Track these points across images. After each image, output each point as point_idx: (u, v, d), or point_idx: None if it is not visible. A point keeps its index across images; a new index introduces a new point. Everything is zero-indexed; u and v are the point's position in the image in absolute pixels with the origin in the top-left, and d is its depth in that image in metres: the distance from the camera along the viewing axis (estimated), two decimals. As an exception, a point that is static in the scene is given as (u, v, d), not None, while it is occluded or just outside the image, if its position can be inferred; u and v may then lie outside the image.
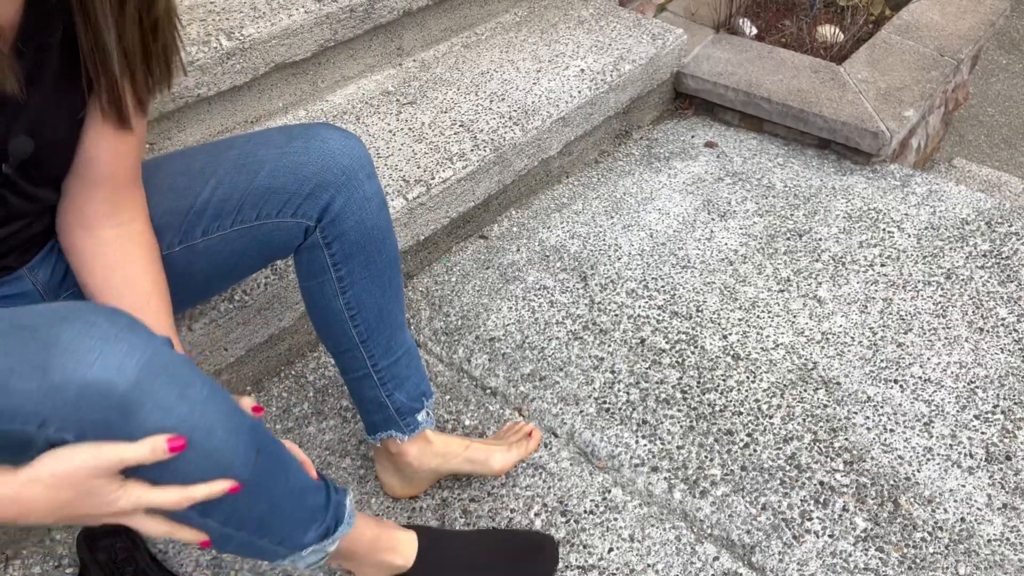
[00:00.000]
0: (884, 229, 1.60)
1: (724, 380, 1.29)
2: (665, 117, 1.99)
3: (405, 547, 0.95)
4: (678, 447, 1.19)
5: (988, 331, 1.37)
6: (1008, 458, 1.16)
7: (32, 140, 0.75)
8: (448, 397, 1.28)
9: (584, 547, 1.07)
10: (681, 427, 1.21)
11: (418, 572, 0.95)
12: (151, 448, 0.62)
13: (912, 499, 1.11)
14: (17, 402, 0.61)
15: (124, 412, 0.61)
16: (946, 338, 1.36)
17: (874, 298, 1.44)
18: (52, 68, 0.75)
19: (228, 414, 0.68)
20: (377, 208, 0.96)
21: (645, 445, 1.19)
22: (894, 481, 1.14)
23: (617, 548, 1.06)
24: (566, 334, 1.37)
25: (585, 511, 1.11)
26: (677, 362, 1.32)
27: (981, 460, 1.16)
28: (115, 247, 0.83)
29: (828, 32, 2.21)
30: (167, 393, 0.63)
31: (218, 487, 0.68)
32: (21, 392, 0.61)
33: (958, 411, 1.23)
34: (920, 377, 1.29)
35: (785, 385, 1.28)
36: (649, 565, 1.04)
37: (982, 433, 1.20)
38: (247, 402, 0.76)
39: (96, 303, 0.66)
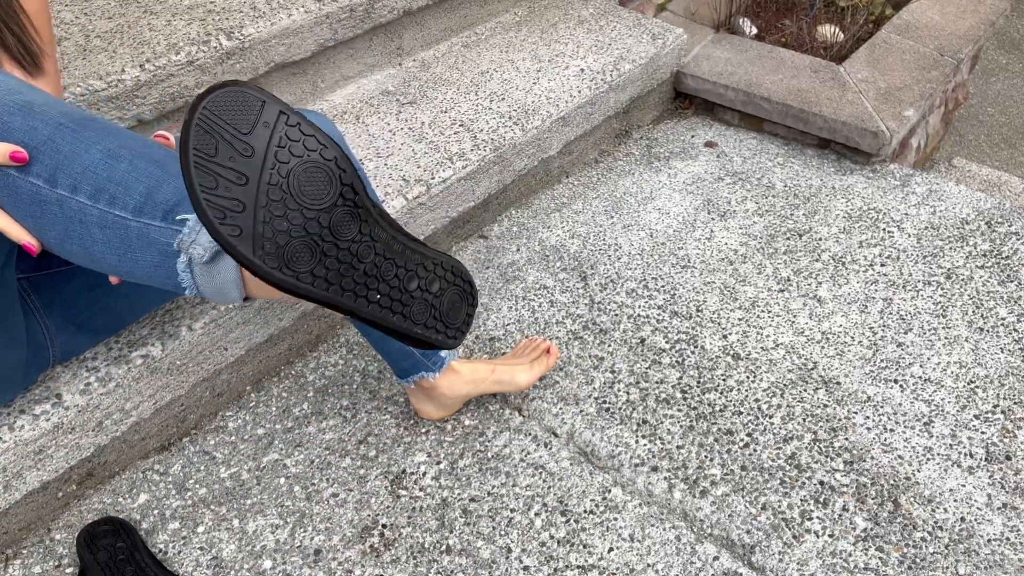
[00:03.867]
0: (884, 229, 1.60)
1: (724, 380, 1.29)
2: (665, 117, 1.99)
3: None
4: (678, 447, 1.19)
5: (988, 331, 1.37)
6: (1008, 458, 1.16)
7: None
8: (448, 397, 1.28)
9: (584, 547, 1.07)
10: (681, 427, 1.21)
11: None
12: None
13: (912, 499, 1.11)
14: None
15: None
16: (946, 338, 1.36)
17: (874, 298, 1.44)
18: None
19: None
20: None
21: (645, 445, 1.19)
22: (894, 481, 1.14)
23: (617, 548, 1.06)
24: (566, 334, 1.37)
25: (585, 511, 1.11)
26: (677, 362, 1.32)
27: (981, 460, 1.16)
28: None
29: (828, 32, 2.21)
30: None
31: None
32: None
33: (958, 411, 1.23)
34: (920, 377, 1.29)
35: (785, 385, 1.28)
36: (649, 565, 1.04)
37: (982, 433, 1.20)
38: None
39: None
